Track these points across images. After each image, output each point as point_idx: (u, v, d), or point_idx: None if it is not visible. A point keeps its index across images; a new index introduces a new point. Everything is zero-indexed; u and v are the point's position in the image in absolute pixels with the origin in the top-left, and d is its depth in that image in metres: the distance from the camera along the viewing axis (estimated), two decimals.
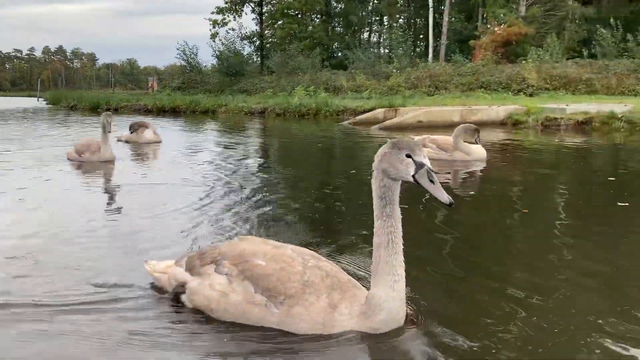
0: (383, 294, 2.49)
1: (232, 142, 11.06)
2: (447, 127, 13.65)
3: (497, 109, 14.58)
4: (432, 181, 2.41)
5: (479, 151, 7.86)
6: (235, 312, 2.61)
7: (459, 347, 2.28)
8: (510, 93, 23.21)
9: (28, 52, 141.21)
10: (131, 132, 10.35)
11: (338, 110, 18.34)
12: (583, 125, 12.82)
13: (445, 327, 2.44)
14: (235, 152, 9.19)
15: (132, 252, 3.53)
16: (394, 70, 27.61)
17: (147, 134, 10.15)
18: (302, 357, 2.31)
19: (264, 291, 2.56)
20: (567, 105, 14.82)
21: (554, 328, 2.38)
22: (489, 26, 30.11)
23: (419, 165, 2.42)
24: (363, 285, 2.67)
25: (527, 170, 7.57)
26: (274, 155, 9.64)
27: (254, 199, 5.11)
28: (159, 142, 10.20)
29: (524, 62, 25.52)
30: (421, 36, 43.14)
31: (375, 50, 32.88)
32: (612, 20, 25.54)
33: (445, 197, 2.40)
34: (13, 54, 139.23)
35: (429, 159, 7.30)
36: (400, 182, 2.47)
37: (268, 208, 4.75)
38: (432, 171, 2.42)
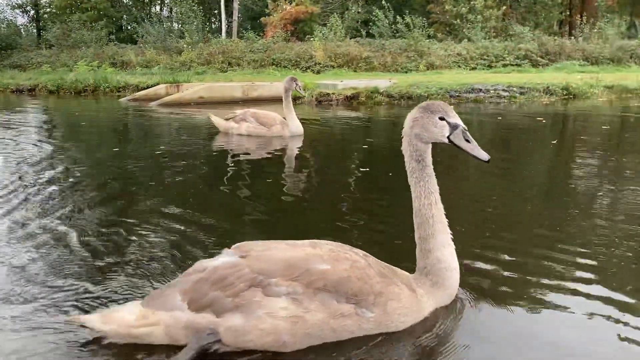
0: (449, 254, 2.42)
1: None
2: (229, 103, 13.71)
3: (278, 85, 14.95)
4: (467, 140, 2.39)
5: (297, 128, 7.75)
6: (320, 333, 2.14)
7: None
8: (299, 70, 24.11)
9: None
10: None
11: (119, 87, 17.25)
12: (351, 99, 13.82)
13: None
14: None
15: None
16: (185, 46, 26.83)
17: None
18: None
19: (349, 298, 2.17)
20: (341, 81, 15.82)
21: None
22: (278, 4, 30.73)
23: (454, 127, 2.39)
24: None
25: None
26: (48, 141, 8.53)
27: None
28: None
29: (311, 40, 26.64)
30: (216, 12, 42.52)
31: (167, 25, 31.41)
32: (384, 2, 27.75)
33: (483, 155, 2.39)
34: None
35: (247, 133, 7.63)
36: (431, 144, 2.45)
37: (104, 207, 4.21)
38: (467, 130, 2.41)
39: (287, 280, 2.13)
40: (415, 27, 25.58)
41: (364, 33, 28.68)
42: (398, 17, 26.70)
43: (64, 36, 29.75)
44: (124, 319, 2.13)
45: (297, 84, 7.85)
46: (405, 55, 25.08)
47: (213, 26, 40.71)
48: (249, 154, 7.00)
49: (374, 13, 28.44)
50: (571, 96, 14.31)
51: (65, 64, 25.85)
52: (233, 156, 6.77)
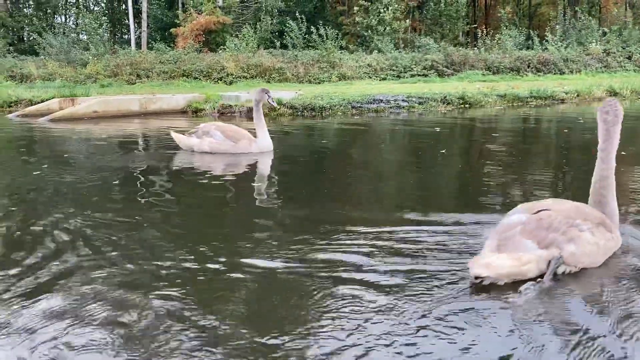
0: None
1: None
2: (126, 117, 13.21)
3: (178, 97, 14.63)
4: None
5: (268, 143, 7.23)
6: (605, 253, 3.29)
7: None
8: (210, 81, 23.75)
9: None
10: None
11: (10, 101, 16.20)
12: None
13: None
14: None
15: None
16: (91, 57, 25.76)
17: None
18: None
19: (606, 226, 3.30)
20: (248, 92, 15.64)
21: None
22: (189, 14, 30.20)
23: None
24: None
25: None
26: None
27: None
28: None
29: (224, 51, 26.33)
30: (126, 22, 41.30)
31: (73, 36, 30.07)
32: (297, 14, 27.94)
33: None
34: None
35: (212, 150, 7.12)
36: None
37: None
38: None
39: (584, 221, 3.19)
40: (328, 39, 25.88)
41: (278, 44, 28.68)
42: (312, 27, 26.91)
43: None
44: (503, 264, 2.97)
45: (268, 96, 7.36)
46: (317, 67, 25.28)
47: (124, 37, 39.45)
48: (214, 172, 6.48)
49: (287, 24, 28.56)
50: (467, 105, 14.88)
51: None
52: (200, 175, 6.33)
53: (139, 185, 5.88)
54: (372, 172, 6.77)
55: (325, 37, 26.13)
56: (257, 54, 26.30)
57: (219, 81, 24.02)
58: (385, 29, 28.48)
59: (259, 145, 7.19)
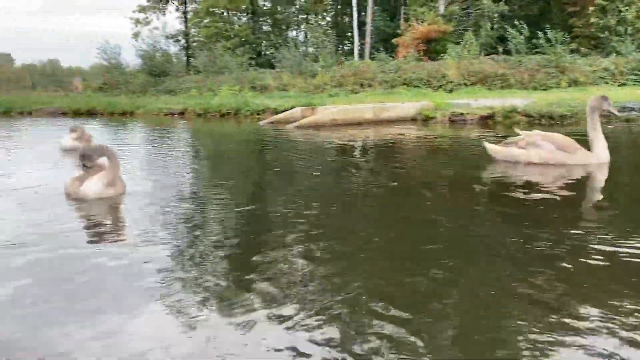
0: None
1: (155, 148, 10.43)
2: (361, 124, 13.97)
3: (409, 105, 14.99)
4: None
5: (605, 153, 6.47)
6: None
7: None
8: (430, 89, 23.94)
9: None
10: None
11: (258, 110, 18.29)
12: (486, 119, 13.40)
13: None
14: (160, 160, 8.67)
15: None
16: (320, 69, 27.82)
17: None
18: None
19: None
20: (475, 100, 15.43)
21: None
22: (410, 24, 30.81)
23: None
24: None
25: None
26: (202, 159, 9.23)
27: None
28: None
29: (443, 59, 26.34)
30: (349, 34, 43.69)
31: (303, 49, 32.87)
32: (516, 21, 26.67)
33: None
34: None
35: (542, 162, 6.90)
36: None
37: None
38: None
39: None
40: (557, 42, 24.21)
41: (500, 50, 27.71)
42: (539, 32, 25.45)
43: (210, 63, 32.28)
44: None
45: (608, 103, 6.68)
46: (544, 72, 23.84)
47: (346, 48, 41.81)
48: (545, 185, 5.59)
49: (507, 32, 27.48)
50: None
51: (211, 88, 28.01)
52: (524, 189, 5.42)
53: (483, 196, 5.35)
54: None
55: (554, 41, 24.46)
56: (479, 60, 25.76)
57: (438, 89, 24.10)
58: (626, 29, 25.64)
59: (598, 156, 6.54)
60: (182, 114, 20.03)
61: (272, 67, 32.11)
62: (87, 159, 4.99)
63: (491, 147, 7.05)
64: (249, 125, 15.67)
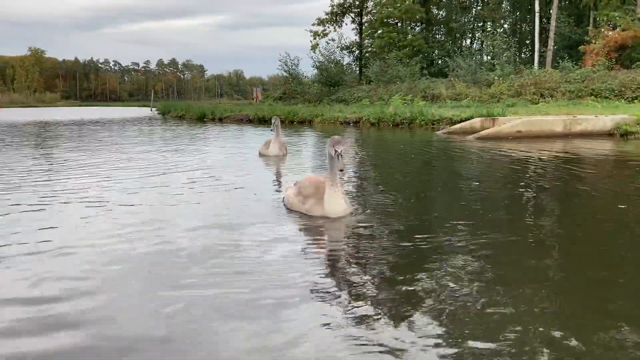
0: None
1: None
2: (549, 137, 13.05)
3: (604, 118, 13.67)
4: None
5: None
6: None
7: None
8: (623, 101, 21.70)
9: (144, 65, 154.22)
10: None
11: (433, 120, 18.07)
12: None
13: None
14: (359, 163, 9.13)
15: None
16: (496, 78, 26.72)
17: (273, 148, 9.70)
18: None
19: None
20: None
21: None
22: (601, 30, 28.25)
23: None
24: None
25: None
26: (377, 164, 9.44)
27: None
28: (284, 155, 9.82)
29: (638, 67, 23.71)
30: (527, 42, 41.37)
31: (478, 57, 31.87)
32: None
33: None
34: (131, 66, 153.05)
35: None
36: None
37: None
38: None
39: None
40: None
41: None
42: None
43: (382, 72, 32.75)
44: None
45: None
46: None
47: (523, 56, 39.66)
48: None
49: None
50: None
51: (381, 98, 28.42)
52: None
53: None
54: None
55: None
56: None
57: (634, 100, 21.69)
58: None
59: None
60: (357, 122, 20.54)
61: (445, 76, 31.59)
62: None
63: None
64: (424, 134, 15.54)
